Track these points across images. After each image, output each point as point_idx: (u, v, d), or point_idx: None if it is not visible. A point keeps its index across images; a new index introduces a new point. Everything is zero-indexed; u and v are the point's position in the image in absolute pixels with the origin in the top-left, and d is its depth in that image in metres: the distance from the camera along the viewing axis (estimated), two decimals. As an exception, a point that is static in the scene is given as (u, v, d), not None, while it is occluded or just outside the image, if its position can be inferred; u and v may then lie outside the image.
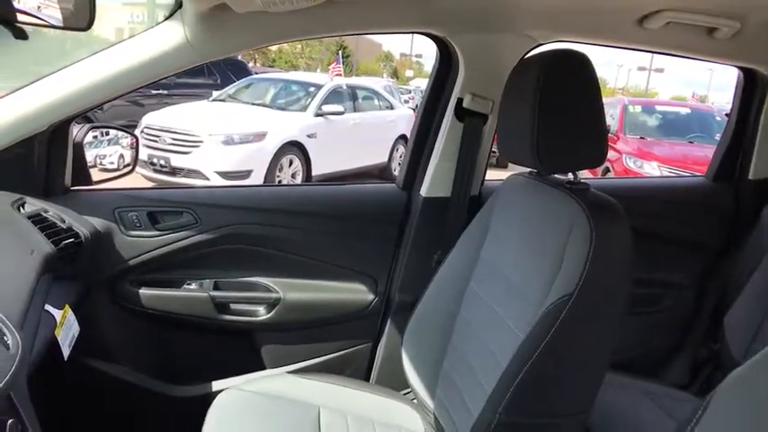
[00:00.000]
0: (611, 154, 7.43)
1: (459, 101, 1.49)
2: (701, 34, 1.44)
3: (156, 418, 1.50)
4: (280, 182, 6.08)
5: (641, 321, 1.81)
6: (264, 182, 5.83)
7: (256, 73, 8.59)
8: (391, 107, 8.43)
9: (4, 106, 1.27)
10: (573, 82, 1.04)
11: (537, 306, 1.03)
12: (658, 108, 8.47)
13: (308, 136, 6.66)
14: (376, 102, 8.27)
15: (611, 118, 8.00)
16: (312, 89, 7.31)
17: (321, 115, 6.96)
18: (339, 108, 7.21)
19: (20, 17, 0.87)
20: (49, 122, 1.30)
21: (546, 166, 1.09)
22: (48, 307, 1.16)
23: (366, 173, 7.50)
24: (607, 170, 7.26)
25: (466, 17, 1.39)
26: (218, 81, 9.33)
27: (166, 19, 1.24)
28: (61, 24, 0.91)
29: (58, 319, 1.18)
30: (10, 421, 0.84)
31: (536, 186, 1.20)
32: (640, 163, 6.79)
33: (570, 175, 1.13)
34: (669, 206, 1.84)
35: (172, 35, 1.24)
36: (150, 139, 5.81)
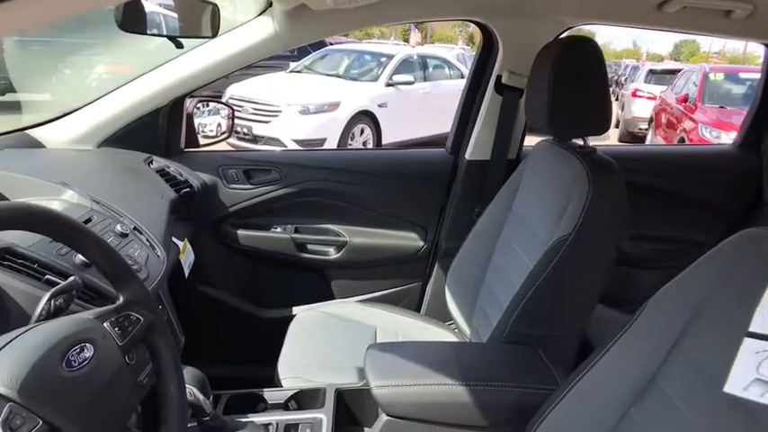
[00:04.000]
0: (687, 124, 7.22)
1: (499, 77, 1.74)
2: (717, 15, 1.60)
3: (247, 334, 1.89)
4: (370, 148, 6.42)
5: (664, 275, 2.00)
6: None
7: (331, 44, 8.91)
8: (462, 76, 8.52)
9: (138, 87, 1.65)
10: (581, 64, 1.28)
11: (544, 243, 1.29)
12: (743, 75, 8.05)
13: (379, 105, 6.92)
14: (447, 71, 8.38)
15: (694, 85, 7.74)
16: (384, 59, 7.52)
17: (392, 85, 7.19)
18: (409, 78, 7.40)
19: (151, 31, 1.20)
20: (170, 98, 1.68)
21: (558, 132, 1.34)
22: (173, 239, 1.55)
23: (435, 141, 7.70)
24: (682, 141, 7.10)
25: (504, 5, 1.64)
26: (295, 53, 9.75)
27: (259, 15, 1.57)
28: (188, 33, 1.24)
29: (180, 247, 1.57)
30: (159, 307, 1.22)
31: (555, 150, 1.45)
32: (717, 133, 6.55)
33: (581, 141, 1.38)
34: (696, 171, 2.00)
35: (263, 28, 1.57)
36: (234, 109, 6.28)
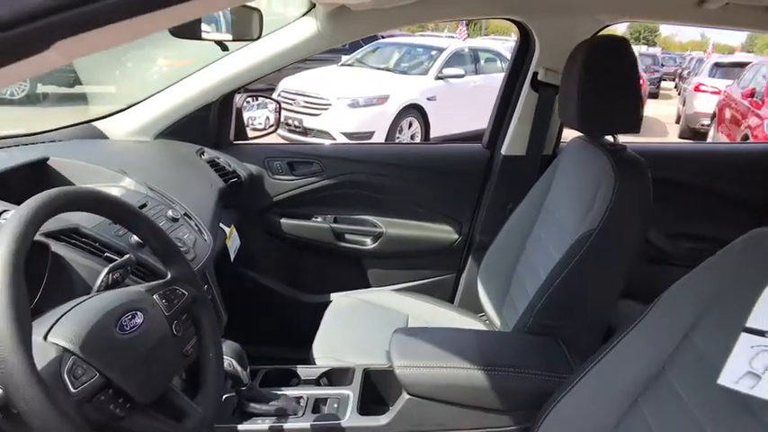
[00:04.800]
0: (752, 120, 6.89)
1: (535, 74, 1.77)
2: (759, 11, 1.58)
3: (286, 316, 2.00)
4: (399, 142, 6.49)
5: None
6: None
7: (383, 37, 8.99)
8: (514, 69, 8.41)
9: (191, 83, 1.78)
10: (612, 63, 1.30)
11: (571, 237, 1.33)
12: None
13: (428, 99, 6.95)
14: (498, 64, 8.29)
15: (763, 78, 7.37)
16: (434, 52, 7.53)
17: (442, 78, 7.20)
18: (460, 71, 7.38)
19: (204, 35, 1.30)
20: (220, 94, 1.79)
21: (587, 129, 1.37)
22: (221, 225, 1.67)
23: (482, 135, 7.63)
24: (746, 138, 6.79)
25: (541, 4, 1.66)
26: (347, 46, 9.86)
27: (303, 16, 1.66)
28: (237, 37, 1.34)
29: (227, 233, 1.68)
30: (206, 286, 1.33)
31: (587, 147, 1.48)
32: (784, 129, 6.25)
33: (611, 138, 1.40)
34: (739, 170, 1.97)
35: (307, 28, 1.66)
36: (286, 102, 6.44)
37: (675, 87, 17.57)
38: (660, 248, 1.96)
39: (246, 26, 1.26)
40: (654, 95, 14.67)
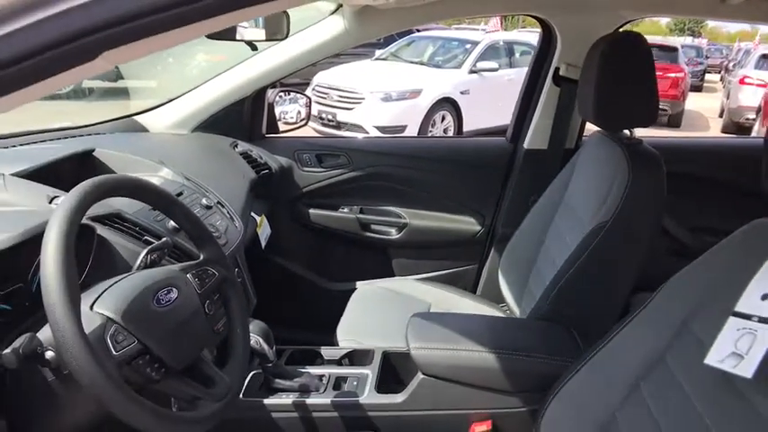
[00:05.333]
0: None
1: (557, 69, 1.81)
2: (783, 6, 1.57)
3: (313, 301, 2.08)
4: (431, 136, 6.52)
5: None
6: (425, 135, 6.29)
7: (418, 31, 9.00)
8: (549, 63, 8.32)
9: (225, 80, 1.87)
10: (627, 59, 1.33)
11: (585, 228, 1.37)
12: None
13: (462, 92, 6.94)
14: (533, 57, 8.22)
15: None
16: (469, 46, 7.50)
17: (475, 72, 7.19)
18: (494, 64, 7.35)
19: (238, 36, 1.39)
20: (253, 89, 1.89)
21: (603, 123, 1.40)
22: (252, 214, 1.76)
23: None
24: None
25: (563, 1, 1.69)
26: (381, 40, 9.91)
27: (330, 14, 1.74)
28: (265, 38, 1.43)
29: (258, 221, 1.78)
30: (236, 270, 1.42)
31: (604, 141, 1.51)
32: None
33: (628, 132, 1.43)
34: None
35: (335, 26, 1.74)
36: (320, 96, 6.55)
37: (721, 80, 17.02)
38: (682, 242, 1.96)
39: (276, 27, 1.35)
40: (697, 89, 14.26)
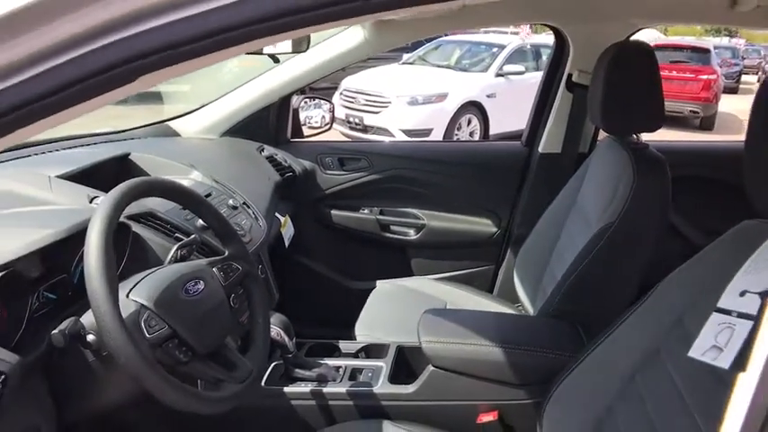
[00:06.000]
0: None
1: (570, 76, 1.86)
2: (794, 12, 1.59)
3: (333, 299, 2.16)
4: (458, 140, 6.56)
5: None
6: (442, 140, 6.35)
7: (446, 34, 9.05)
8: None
9: (252, 87, 1.98)
10: (634, 67, 1.38)
11: (593, 228, 1.42)
12: None
13: (488, 96, 6.95)
14: (561, 60, 8.18)
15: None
16: (496, 50, 7.51)
17: (502, 75, 7.21)
18: (520, 68, 7.33)
19: (265, 50, 1.48)
20: (278, 96, 1.99)
21: (610, 128, 1.45)
22: (277, 214, 1.86)
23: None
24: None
25: (576, 10, 1.75)
26: (409, 44, 9.98)
27: (351, 25, 1.82)
28: (291, 51, 1.53)
29: (282, 222, 1.87)
30: (260, 267, 1.52)
31: (614, 146, 1.55)
32: None
33: (635, 137, 1.48)
34: None
35: (355, 36, 1.82)
36: (347, 100, 6.65)
37: (759, 81, 16.57)
38: (698, 245, 1.98)
39: (300, 41, 1.44)
40: (732, 90, 13.94)
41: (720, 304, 0.84)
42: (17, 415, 0.87)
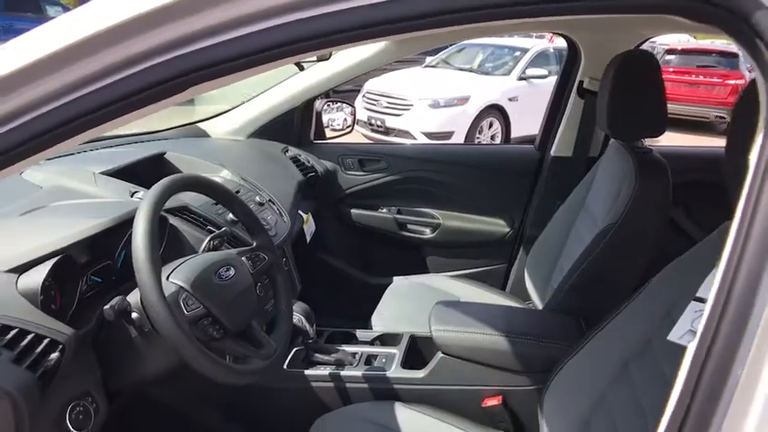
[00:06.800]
0: None
1: (581, 82, 1.94)
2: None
3: (352, 293, 2.27)
4: (479, 143, 6.61)
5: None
6: (458, 143, 6.40)
7: (467, 38, 9.09)
8: (599, 69, 8.23)
9: (278, 91, 2.09)
10: (637, 77, 1.46)
11: (598, 227, 1.49)
12: None
13: (510, 99, 6.96)
14: (584, 64, 8.16)
15: None
16: (518, 53, 7.53)
17: (524, 79, 7.23)
18: (543, 72, 7.33)
19: None
20: (302, 100, 2.10)
21: (616, 133, 1.53)
22: (299, 212, 1.97)
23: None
24: None
25: (588, 19, 1.82)
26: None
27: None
28: (318, 59, 1.64)
29: (304, 218, 1.98)
30: (284, 259, 1.63)
31: (619, 150, 1.63)
32: None
33: (640, 142, 1.55)
34: None
35: (376, 44, 1.93)
36: (370, 103, 6.72)
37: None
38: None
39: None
40: None
41: (699, 294, 0.92)
42: (73, 380, 0.99)
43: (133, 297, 1.02)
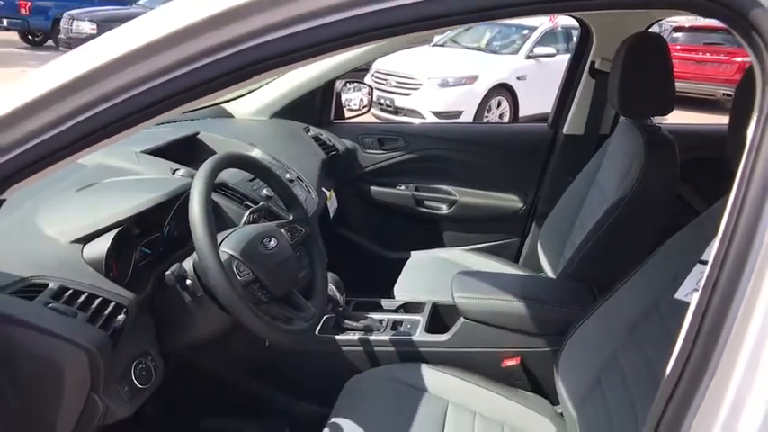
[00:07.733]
0: None
1: (593, 63, 2.01)
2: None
3: (373, 267, 2.36)
4: (488, 122, 6.66)
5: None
6: (473, 122, 6.46)
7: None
8: (608, 47, 8.21)
9: (299, 73, 2.17)
10: (646, 57, 1.53)
11: (609, 201, 1.58)
12: None
13: (518, 78, 6.97)
14: (592, 42, 8.14)
15: None
16: (526, 32, 7.51)
17: (532, 57, 7.23)
18: (551, 50, 7.32)
19: None
20: (323, 81, 2.18)
21: (626, 111, 1.61)
22: (323, 188, 2.06)
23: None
24: None
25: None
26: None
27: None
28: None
29: (327, 195, 2.08)
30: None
31: (631, 128, 1.71)
32: None
33: (650, 120, 1.63)
34: None
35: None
36: (379, 82, 6.72)
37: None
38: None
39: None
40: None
41: (703, 257, 1.01)
42: (135, 341, 1.10)
43: (187, 264, 1.13)
